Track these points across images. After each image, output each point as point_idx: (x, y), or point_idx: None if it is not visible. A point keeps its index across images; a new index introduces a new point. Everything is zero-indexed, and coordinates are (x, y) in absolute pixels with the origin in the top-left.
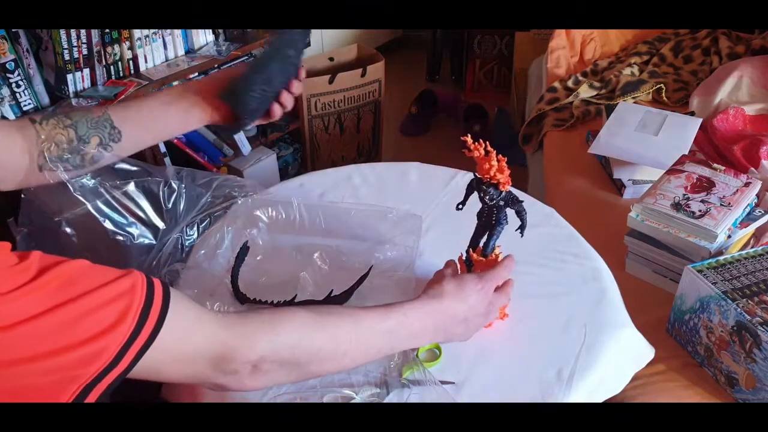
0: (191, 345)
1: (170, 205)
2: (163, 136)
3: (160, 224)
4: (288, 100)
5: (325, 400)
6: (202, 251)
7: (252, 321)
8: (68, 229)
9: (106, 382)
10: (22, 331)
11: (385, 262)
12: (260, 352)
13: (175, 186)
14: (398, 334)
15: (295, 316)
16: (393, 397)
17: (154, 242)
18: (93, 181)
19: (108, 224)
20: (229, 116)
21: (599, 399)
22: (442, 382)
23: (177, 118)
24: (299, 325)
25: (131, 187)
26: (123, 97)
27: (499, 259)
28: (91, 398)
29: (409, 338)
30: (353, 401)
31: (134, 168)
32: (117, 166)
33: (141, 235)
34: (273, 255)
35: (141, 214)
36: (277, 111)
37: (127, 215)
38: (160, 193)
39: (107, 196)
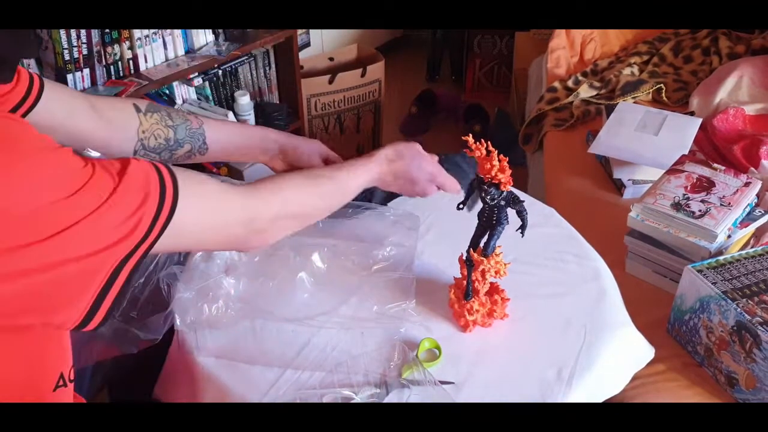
0: (223, 214)
1: None
2: (237, 159)
3: None
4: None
5: (325, 400)
6: (199, 253)
7: (263, 187)
8: None
9: (140, 253)
10: (78, 227)
11: (385, 262)
12: (276, 210)
13: None
14: (349, 190)
15: (293, 179)
16: (393, 398)
17: None
18: None
19: None
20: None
21: (599, 399)
22: (442, 382)
23: (255, 158)
24: (298, 185)
25: None
26: (124, 96)
27: (500, 260)
28: (126, 270)
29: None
30: (353, 401)
31: None
32: None
33: None
34: (271, 256)
35: None
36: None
37: None
38: None
39: None
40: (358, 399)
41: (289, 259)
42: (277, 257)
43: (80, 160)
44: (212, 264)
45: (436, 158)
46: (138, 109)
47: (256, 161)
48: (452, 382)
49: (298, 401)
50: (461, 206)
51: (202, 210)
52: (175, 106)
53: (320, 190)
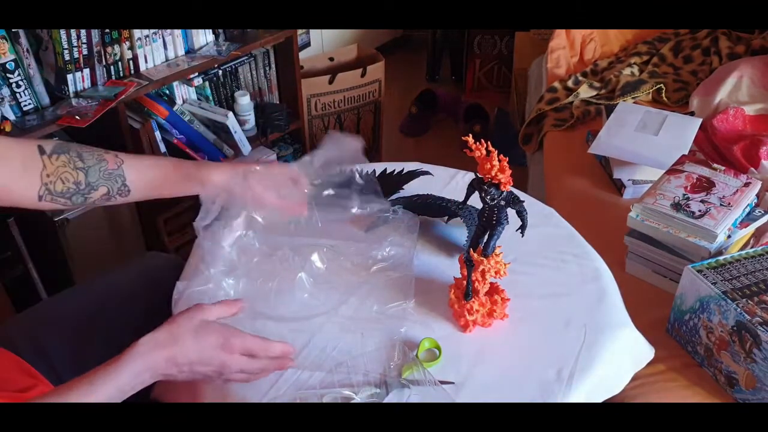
0: None
1: None
2: (167, 197)
3: None
4: None
5: (325, 400)
6: (198, 254)
7: None
8: (67, 233)
9: None
10: None
11: (384, 262)
12: None
13: None
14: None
15: None
16: (393, 397)
17: None
18: None
19: None
20: None
21: (599, 399)
22: (442, 382)
23: (182, 192)
24: None
25: None
26: (123, 97)
27: (500, 260)
28: None
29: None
30: (353, 401)
31: None
32: None
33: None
34: (270, 256)
35: None
36: None
37: None
38: None
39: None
40: (358, 399)
41: (289, 259)
42: (276, 257)
43: None
44: (211, 264)
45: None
46: (42, 151)
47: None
48: (452, 382)
49: (298, 401)
50: (462, 206)
51: None
52: (175, 107)
53: None
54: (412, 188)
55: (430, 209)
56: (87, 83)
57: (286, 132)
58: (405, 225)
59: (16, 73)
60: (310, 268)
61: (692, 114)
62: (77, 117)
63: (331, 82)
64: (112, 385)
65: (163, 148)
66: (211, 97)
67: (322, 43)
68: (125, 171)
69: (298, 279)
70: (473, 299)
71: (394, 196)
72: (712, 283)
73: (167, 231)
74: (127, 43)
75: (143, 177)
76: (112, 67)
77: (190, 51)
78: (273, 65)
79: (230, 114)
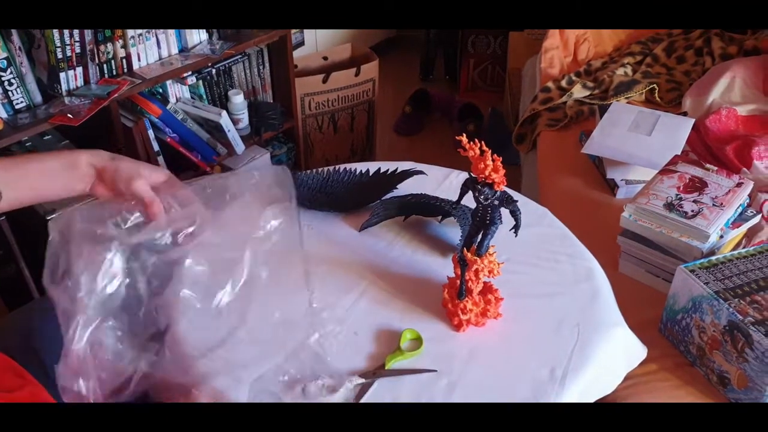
0: None
1: None
2: (47, 198)
3: None
4: None
5: (311, 389)
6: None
7: None
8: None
9: None
10: None
11: (273, 233)
12: None
13: None
14: None
15: None
16: (378, 387)
17: None
18: None
19: None
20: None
21: (592, 398)
22: (425, 371)
23: (70, 190)
24: None
25: None
26: (116, 95)
27: (493, 259)
28: None
29: None
30: (339, 392)
31: None
32: None
33: None
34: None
35: None
36: None
37: None
38: None
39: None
40: (343, 389)
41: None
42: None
43: None
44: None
45: None
46: None
47: (73, 193)
48: (435, 370)
49: (281, 395)
50: (455, 205)
51: None
52: (168, 106)
53: None
54: (405, 188)
55: (424, 209)
56: (80, 81)
57: (279, 131)
58: (277, 182)
59: (9, 71)
60: (190, 276)
61: (685, 114)
62: (70, 115)
63: (325, 81)
64: None
65: (156, 146)
66: (204, 96)
67: (316, 42)
68: None
69: (182, 298)
70: (467, 298)
71: (387, 196)
72: (704, 283)
73: None
74: (120, 41)
75: (11, 180)
76: (105, 66)
77: (183, 49)
78: (267, 64)
79: (224, 113)
